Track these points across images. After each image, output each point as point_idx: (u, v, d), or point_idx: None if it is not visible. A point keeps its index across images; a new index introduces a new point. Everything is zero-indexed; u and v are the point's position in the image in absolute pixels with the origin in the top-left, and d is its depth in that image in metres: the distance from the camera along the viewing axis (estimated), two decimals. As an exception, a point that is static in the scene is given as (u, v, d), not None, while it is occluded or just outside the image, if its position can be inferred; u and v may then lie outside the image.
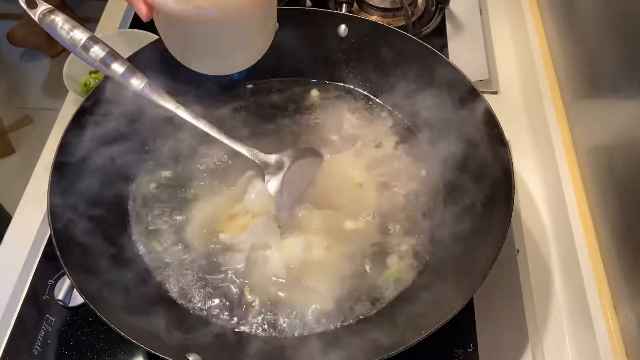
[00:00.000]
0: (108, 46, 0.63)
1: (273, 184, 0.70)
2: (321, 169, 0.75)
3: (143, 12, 0.52)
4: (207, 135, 0.68)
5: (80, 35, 0.61)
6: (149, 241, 0.69)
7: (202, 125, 0.68)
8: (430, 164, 0.75)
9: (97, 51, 0.62)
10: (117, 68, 0.64)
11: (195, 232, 0.69)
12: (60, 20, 0.60)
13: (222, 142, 0.69)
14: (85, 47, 0.61)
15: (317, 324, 0.63)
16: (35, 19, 0.59)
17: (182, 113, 0.68)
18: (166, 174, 0.75)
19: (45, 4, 0.60)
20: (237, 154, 0.71)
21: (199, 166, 0.75)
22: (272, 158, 0.71)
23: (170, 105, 0.68)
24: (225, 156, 0.76)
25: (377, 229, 0.70)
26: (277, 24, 0.65)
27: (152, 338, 0.54)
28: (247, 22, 0.55)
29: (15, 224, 0.78)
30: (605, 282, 0.67)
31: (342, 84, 0.84)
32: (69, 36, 0.60)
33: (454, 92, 0.71)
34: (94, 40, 0.62)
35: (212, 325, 0.63)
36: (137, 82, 0.66)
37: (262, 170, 0.71)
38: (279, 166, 0.71)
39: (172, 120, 0.77)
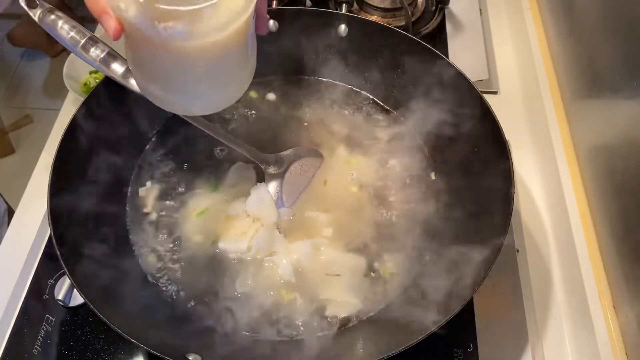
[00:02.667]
0: (108, 46, 0.63)
1: (273, 183, 0.70)
2: (321, 168, 0.75)
3: (112, 28, 0.46)
4: (206, 134, 0.68)
5: (80, 35, 0.61)
6: (148, 241, 0.69)
7: (202, 126, 0.68)
8: (429, 163, 0.76)
9: (97, 51, 0.62)
10: (117, 68, 0.64)
11: (195, 233, 0.69)
12: (60, 20, 0.60)
13: (221, 142, 0.69)
14: (85, 47, 0.61)
15: (320, 327, 0.63)
16: (35, 19, 0.59)
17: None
18: (165, 173, 0.75)
19: (45, 3, 0.60)
20: (237, 153, 0.71)
21: (198, 166, 0.75)
22: (272, 158, 0.71)
23: None
24: (225, 156, 0.76)
25: (377, 227, 0.70)
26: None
27: (152, 338, 0.54)
28: (221, 56, 0.49)
29: (15, 224, 0.78)
30: (605, 282, 0.67)
31: (342, 84, 0.84)
32: (69, 36, 0.60)
33: (454, 92, 0.71)
34: (94, 40, 0.62)
35: (213, 326, 0.63)
36: (137, 83, 0.66)
37: (262, 169, 0.71)
38: (279, 166, 0.71)
39: (171, 120, 0.78)
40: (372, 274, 0.66)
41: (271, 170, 0.71)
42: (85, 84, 0.90)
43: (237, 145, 0.69)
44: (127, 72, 0.64)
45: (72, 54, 0.84)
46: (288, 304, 0.64)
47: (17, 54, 2.17)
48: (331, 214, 0.70)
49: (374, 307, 0.64)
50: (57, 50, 2.10)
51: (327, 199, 0.72)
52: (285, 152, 0.72)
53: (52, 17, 0.59)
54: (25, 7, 0.58)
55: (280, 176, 0.71)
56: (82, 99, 0.68)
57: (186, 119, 0.67)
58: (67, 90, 0.87)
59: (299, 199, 0.71)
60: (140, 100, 0.67)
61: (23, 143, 1.91)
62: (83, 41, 0.61)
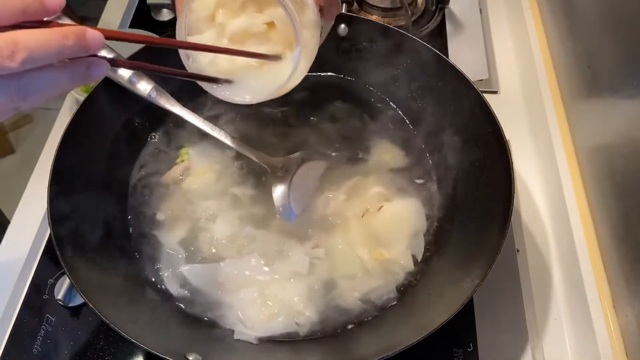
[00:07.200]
0: (114, 50, 0.63)
1: (280, 187, 0.69)
2: (327, 171, 0.74)
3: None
4: (206, 136, 0.68)
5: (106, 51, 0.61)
6: (149, 240, 0.69)
7: (209, 129, 0.68)
8: (429, 163, 0.75)
9: (103, 56, 0.62)
10: (124, 73, 0.64)
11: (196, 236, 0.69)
12: None
13: (227, 145, 0.69)
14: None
15: (316, 330, 0.63)
16: None
17: (189, 117, 0.68)
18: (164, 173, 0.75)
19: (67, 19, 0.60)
20: (243, 156, 0.71)
21: (199, 168, 0.75)
22: (279, 161, 0.70)
23: (177, 109, 0.68)
24: (227, 157, 0.76)
25: (376, 227, 0.70)
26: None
27: (152, 338, 0.54)
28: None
29: (15, 224, 0.78)
30: (605, 282, 0.67)
31: (340, 83, 0.84)
32: None
33: (454, 92, 0.71)
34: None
35: (214, 327, 0.63)
36: (144, 87, 0.66)
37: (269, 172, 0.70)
38: (286, 169, 0.70)
39: (172, 120, 0.78)
40: (372, 274, 0.66)
41: (278, 174, 0.70)
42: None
43: (244, 149, 0.69)
44: (134, 77, 0.65)
45: (72, 54, 0.83)
46: (292, 305, 0.64)
47: (17, 54, 2.17)
48: (339, 217, 0.70)
49: (373, 310, 0.64)
50: (57, 49, 2.09)
51: (335, 201, 0.72)
52: (292, 156, 0.71)
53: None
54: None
55: (288, 180, 0.70)
56: (82, 99, 0.68)
57: (193, 123, 0.67)
58: (67, 90, 0.87)
59: (308, 202, 0.71)
60: (140, 100, 0.67)
61: (23, 143, 1.90)
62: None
